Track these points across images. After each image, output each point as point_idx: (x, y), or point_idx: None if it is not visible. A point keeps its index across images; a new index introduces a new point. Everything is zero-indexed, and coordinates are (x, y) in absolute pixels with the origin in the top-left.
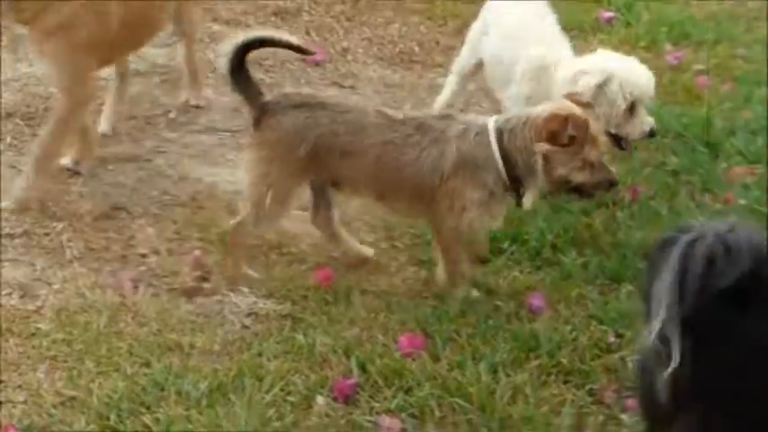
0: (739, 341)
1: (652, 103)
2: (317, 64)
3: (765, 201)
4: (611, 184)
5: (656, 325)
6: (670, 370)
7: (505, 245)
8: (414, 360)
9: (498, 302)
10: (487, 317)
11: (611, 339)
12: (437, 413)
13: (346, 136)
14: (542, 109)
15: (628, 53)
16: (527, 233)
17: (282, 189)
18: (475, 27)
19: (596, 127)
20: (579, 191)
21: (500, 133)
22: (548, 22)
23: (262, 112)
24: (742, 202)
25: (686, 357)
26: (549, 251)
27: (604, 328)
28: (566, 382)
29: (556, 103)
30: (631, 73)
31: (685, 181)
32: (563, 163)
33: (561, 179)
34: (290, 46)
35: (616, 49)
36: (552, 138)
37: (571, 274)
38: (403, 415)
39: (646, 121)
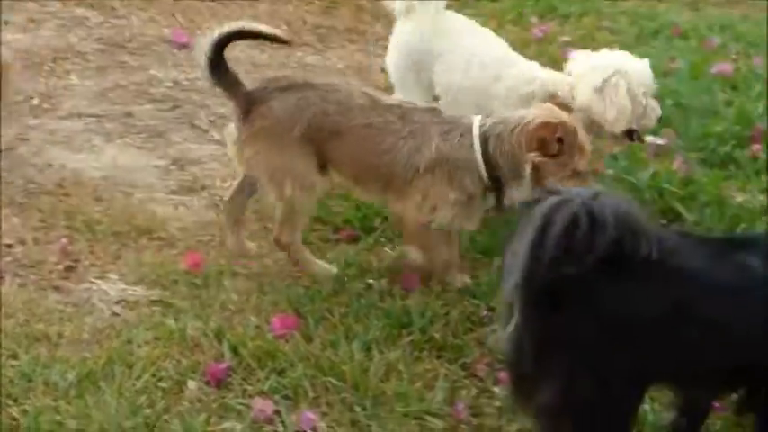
0: (600, 307)
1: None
2: (185, 46)
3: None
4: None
5: (511, 283)
6: (511, 329)
7: (377, 223)
8: (286, 341)
9: (371, 280)
10: (360, 295)
11: (484, 313)
12: (311, 393)
13: (334, 116)
14: (531, 115)
15: (495, 28)
16: None
17: (298, 169)
18: (407, 58)
19: (584, 135)
20: None
21: (485, 137)
22: (496, 42)
23: (248, 102)
24: (609, 172)
25: (545, 320)
26: None
27: (476, 302)
28: (439, 357)
29: (544, 109)
30: (638, 67)
31: None
32: (552, 172)
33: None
34: (265, 36)
35: (484, 24)
36: (543, 146)
37: None
38: (276, 396)
39: (656, 108)
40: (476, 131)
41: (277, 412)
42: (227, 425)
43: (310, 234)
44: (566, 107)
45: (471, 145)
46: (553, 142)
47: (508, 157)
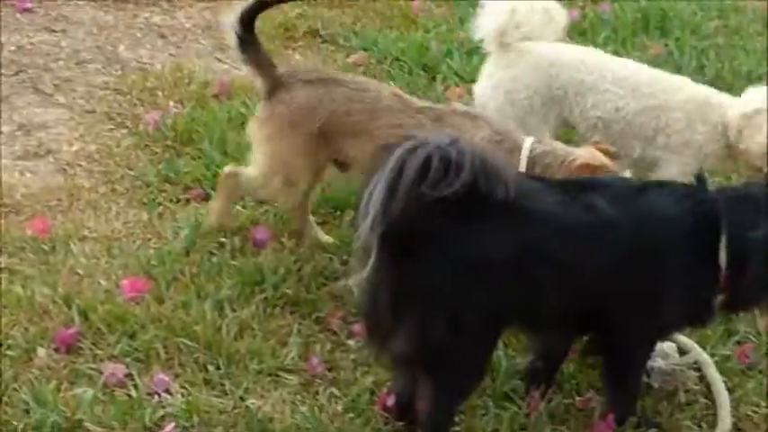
0: (453, 250)
1: None
2: (27, 10)
3: None
4: None
5: (366, 225)
6: (366, 275)
7: None
8: (137, 304)
9: (222, 239)
10: (211, 254)
11: (336, 267)
12: (163, 355)
13: (359, 115)
14: (578, 154)
15: None
16: None
17: (294, 166)
18: (531, 99)
19: None
20: None
21: (533, 162)
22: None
23: (275, 85)
24: None
25: (400, 266)
26: None
27: (329, 256)
28: (292, 313)
29: (588, 152)
30: None
31: None
32: None
33: None
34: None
35: None
36: None
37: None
38: (128, 360)
39: None
40: (525, 152)
41: (129, 375)
42: (78, 391)
43: (159, 195)
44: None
45: (517, 165)
46: None
47: None
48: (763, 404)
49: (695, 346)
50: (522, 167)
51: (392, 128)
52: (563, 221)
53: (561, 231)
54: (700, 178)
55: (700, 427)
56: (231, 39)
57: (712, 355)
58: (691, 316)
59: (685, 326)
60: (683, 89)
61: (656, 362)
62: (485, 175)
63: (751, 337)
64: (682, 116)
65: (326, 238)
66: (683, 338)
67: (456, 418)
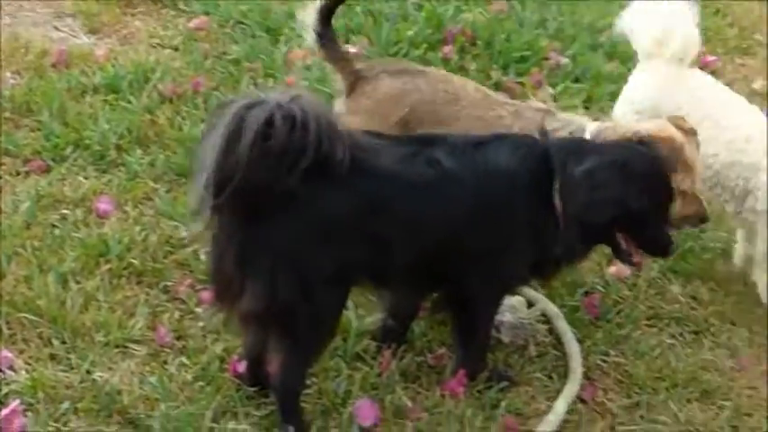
0: (300, 209)
1: None
2: None
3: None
4: (702, 219)
5: (198, 183)
6: (201, 228)
7: (68, 151)
8: None
9: (65, 210)
10: (53, 227)
11: (183, 234)
12: (6, 331)
13: (442, 105)
14: (643, 128)
15: None
16: (89, 137)
17: None
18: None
19: (693, 155)
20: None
21: (596, 137)
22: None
23: (356, 79)
24: (304, 83)
25: (247, 225)
26: (114, 153)
27: (175, 224)
28: (139, 283)
29: (657, 124)
30: None
31: (248, 68)
32: None
33: None
34: None
35: None
36: None
37: (138, 173)
38: None
39: None
40: (588, 134)
41: None
42: None
43: None
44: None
45: None
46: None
47: None
48: (613, 353)
49: (544, 298)
50: None
51: (475, 119)
52: (406, 177)
53: (404, 187)
54: (542, 131)
55: (551, 378)
56: (309, 35)
57: (561, 307)
58: (537, 266)
59: (532, 277)
60: None
61: (506, 316)
62: (328, 131)
63: (598, 287)
64: None
65: None
66: (531, 292)
67: (308, 381)
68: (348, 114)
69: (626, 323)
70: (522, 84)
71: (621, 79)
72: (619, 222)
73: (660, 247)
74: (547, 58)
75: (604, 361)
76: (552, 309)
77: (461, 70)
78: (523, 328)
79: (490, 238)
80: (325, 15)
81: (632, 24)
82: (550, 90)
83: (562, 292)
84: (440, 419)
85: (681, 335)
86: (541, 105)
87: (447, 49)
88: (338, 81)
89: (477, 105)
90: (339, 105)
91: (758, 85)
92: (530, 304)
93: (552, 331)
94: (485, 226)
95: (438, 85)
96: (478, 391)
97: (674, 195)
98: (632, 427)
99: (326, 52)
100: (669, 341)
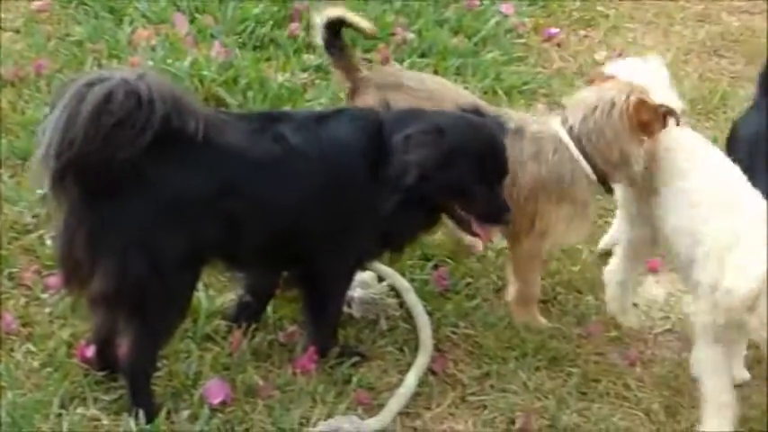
0: (150, 187)
1: None
2: None
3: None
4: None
5: (37, 160)
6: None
7: None
8: None
9: None
10: None
11: (28, 220)
12: None
13: None
14: (619, 97)
15: None
16: None
17: None
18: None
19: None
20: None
21: (578, 139)
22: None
23: (354, 88)
24: (150, 63)
25: (95, 204)
26: None
27: (19, 209)
28: None
29: (628, 87)
30: None
31: (91, 50)
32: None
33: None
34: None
35: None
36: (648, 127)
37: None
38: None
39: None
40: (566, 139)
41: None
42: None
43: None
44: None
45: (570, 157)
46: (658, 121)
47: (611, 147)
48: (462, 324)
49: (394, 273)
50: (575, 154)
51: None
52: (253, 154)
53: (252, 164)
54: (385, 104)
55: (402, 351)
56: (319, 40)
57: (411, 281)
58: (385, 239)
59: (382, 250)
60: None
61: (357, 292)
62: (176, 109)
63: (447, 260)
64: None
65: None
66: (381, 267)
67: (158, 364)
68: None
69: (475, 295)
70: (369, 60)
71: (468, 53)
72: (443, 190)
73: (493, 216)
74: (393, 34)
75: (454, 333)
76: (402, 283)
77: (309, 47)
78: (374, 303)
79: (337, 213)
80: (333, 26)
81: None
82: (397, 66)
83: (412, 266)
84: (291, 397)
85: None
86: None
87: (294, 26)
88: (345, 86)
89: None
90: None
91: (600, 56)
92: (380, 279)
93: (403, 305)
94: (331, 201)
95: (414, 102)
96: (330, 367)
97: (506, 166)
98: (482, 397)
99: (334, 58)
100: None
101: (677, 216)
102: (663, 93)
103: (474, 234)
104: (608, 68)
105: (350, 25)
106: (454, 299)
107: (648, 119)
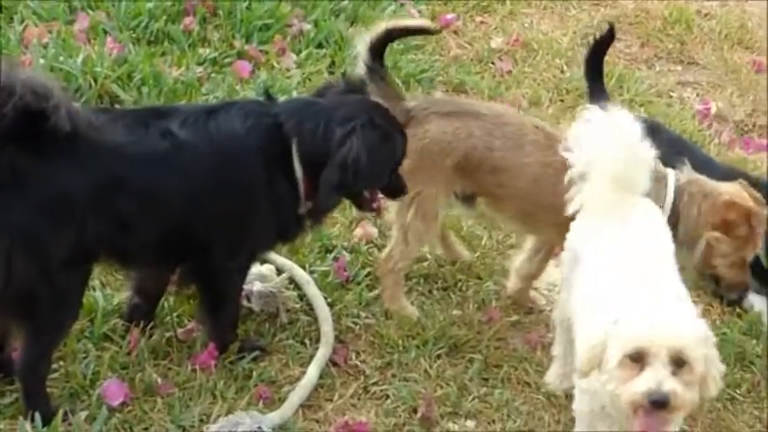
0: (33, 187)
1: None
2: None
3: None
4: (745, 289)
5: None
6: None
7: None
8: None
9: None
10: None
11: None
12: None
13: (501, 152)
14: (724, 190)
15: None
16: None
17: (426, 201)
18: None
19: (758, 227)
20: (717, 283)
21: (680, 191)
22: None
23: (405, 118)
24: (42, 61)
25: None
26: None
27: None
28: None
29: (736, 189)
30: None
31: None
32: (723, 255)
33: (713, 268)
34: (413, 30)
35: None
36: (727, 227)
37: None
38: None
39: None
40: (671, 181)
41: None
42: None
43: None
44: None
45: (665, 195)
46: (740, 227)
47: (689, 220)
48: (363, 314)
49: (293, 265)
50: (670, 197)
51: (542, 166)
52: (140, 150)
53: (139, 160)
54: (268, 94)
55: (303, 344)
56: (360, 68)
57: (311, 273)
58: (281, 232)
59: (277, 243)
60: None
61: (255, 285)
62: (35, 94)
63: (344, 251)
64: None
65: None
66: (280, 259)
67: (55, 365)
68: None
69: (375, 284)
70: (265, 52)
71: None
72: (373, 179)
73: (397, 191)
74: (289, 25)
75: (356, 323)
76: (302, 275)
77: (204, 41)
78: (273, 297)
79: (230, 206)
80: (377, 50)
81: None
82: (294, 57)
83: (312, 258)
84: (191, 394)
85: (430, 292)
86: None
87: (188, 20)
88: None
89: (542, 150)
90: None
91: (496, 43)
92: (279, 272)
93: (303, 297)
94: (223, 195)
95: (495, 129)
96: (230, 363)
97: (405, 147)
98: (385, 387)
99: (376, 85)
100: (419, 299)
101: None
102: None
103: (372, 209)
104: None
105: (404, 33)
106: (355, 289)
107: (733, 219)
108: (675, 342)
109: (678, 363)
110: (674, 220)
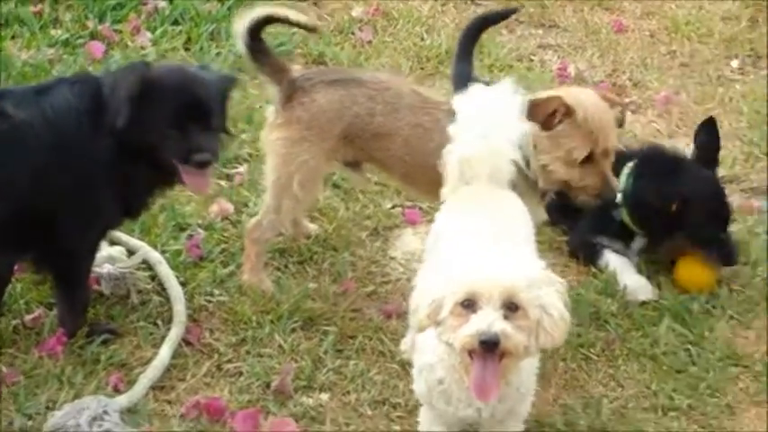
0: None
1: None
2: None
3: None
4: (598, 194)
5: None
6: None
7: None
8: None
9: None
10: None
11: None
12: None
13: (382, 117)
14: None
15: None
16: None
17: (310, 171)
18: None
19: (594, 122)
20: (569, 196)
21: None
22: None
23: (291, 89)
24: None
25: None
26: None
27: None
28: None
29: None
30: None
31: None
32: (547, 150)
33: (544, 170)
34: (291, 22)
35: None
36: (545, 122)
37: None
38: None
39: None
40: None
41: None
42: None
43: None
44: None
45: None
46: (556, 118)
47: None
48: (217, 292)
49: (145, 245)
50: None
51: (414, 127)
52: None
53: None
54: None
55: (156, 325)
56: (241, 48)
57: (163, 253)
58: (125, 206)
59: (121, 218)
60: None
61: (105, 268)
62: None
63: (200, 229)
64: None
65: (317, 228)
66: (132, 240)
67: None
68: (285, 124)
69: (230, 261)
70: (119, 31)
71: (222, 18)
72: (149, 132)
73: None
74: (144, 3)
75: (209, 301)
76: (154, 255)
77: (56, 22)
78: (124, 278)
79: (70, 182)
80: (255, 30)
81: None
82: (149, 35)
83: (165, 237)
84: (38, 381)
85: (286, 266)
86: None
87: (40, 6)
88: (273, 91)
89: (415, 112)
90: (273, 114)
91: (357, 12)
92: (130, 253)
93: (155, 278)
94: (62, 172)
95: (377, 95)
96: (80, 348)
97: (207, 110)
98: (239, 364)
99: (259, 63)
100: (275, 273)
101: None
102: (513, 122)
103: (191, 183)
104: (456, 102)
105: (283, 21)
106: (208, 266)
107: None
108: (506, 285)
109: (510, 307)
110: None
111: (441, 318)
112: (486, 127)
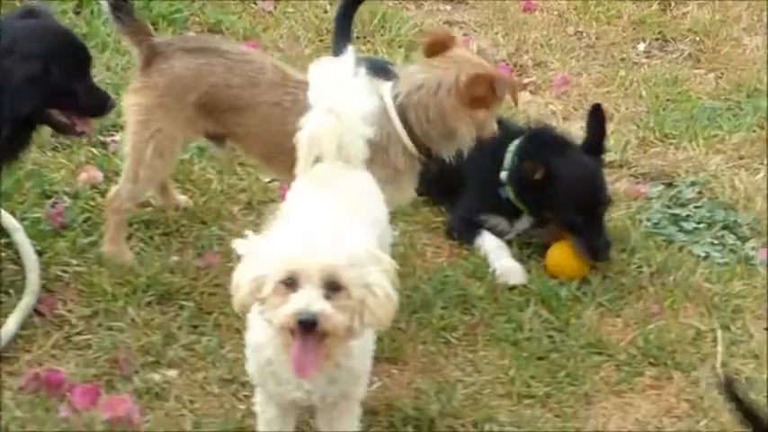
0: None
1: None
2: None
3: None
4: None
5: None
6: None
7: None
8: None
9: None
10: None
11: None
12: None
13: (239, 89)
14: (445, 76)
15: None
16: None
17: (166, 139)
18: None
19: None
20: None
21: (403, 110)
22: None
23: (151, 54)
24: None
25: None
26: None
27: None
28: None
29: (457, 65)
30: None
31: None
32: (488, 120)
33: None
34: None
35: None
36: (481, 102)
37: None
38: None
39: None
40: (390, 106)
41: None
42: None
43: None
44: None
45: (392, 126)
46: (492, 94)
47: (437, 122)
48: (75, 262)
49: (2, 212)
50: (398, 126)
51: (273, 106)
52: None
53: None
54: None
55: (8, 294)
56: (104, 6)
57: (23, 220)
58: None
59: None
60: None
61: None
62: None
63: (65, 197)
64: None
65: (187, 200)
66: None
67: None
68: (141, 90)
69: (93, 231)
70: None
71: None
72: (51, 95)
73: (99, 108)
74: None
75: (66, 271)
76: (11, 222)
77: None
78: None
79: None
80: None
81: None
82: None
83: (27, 205)
84: None
85: (151, 238)
86: None
87: None
88: (135, 54)
89: (275, 89)
90: (135, 80)
91: None
92: None
93: (11, 245)
94: None
95: (235, 67)
96: None
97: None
98: (88, 336)
99: (121, 24)
100: (138, 245)
101: None
102: (357, 94)
103: (78, 133)
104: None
105: None
106: (68, 236)
107: (483, 93)
108: (326, 264)
109: (332, 287)
110: (419, 140)
111: (263, 295)
112: (332, 102)
